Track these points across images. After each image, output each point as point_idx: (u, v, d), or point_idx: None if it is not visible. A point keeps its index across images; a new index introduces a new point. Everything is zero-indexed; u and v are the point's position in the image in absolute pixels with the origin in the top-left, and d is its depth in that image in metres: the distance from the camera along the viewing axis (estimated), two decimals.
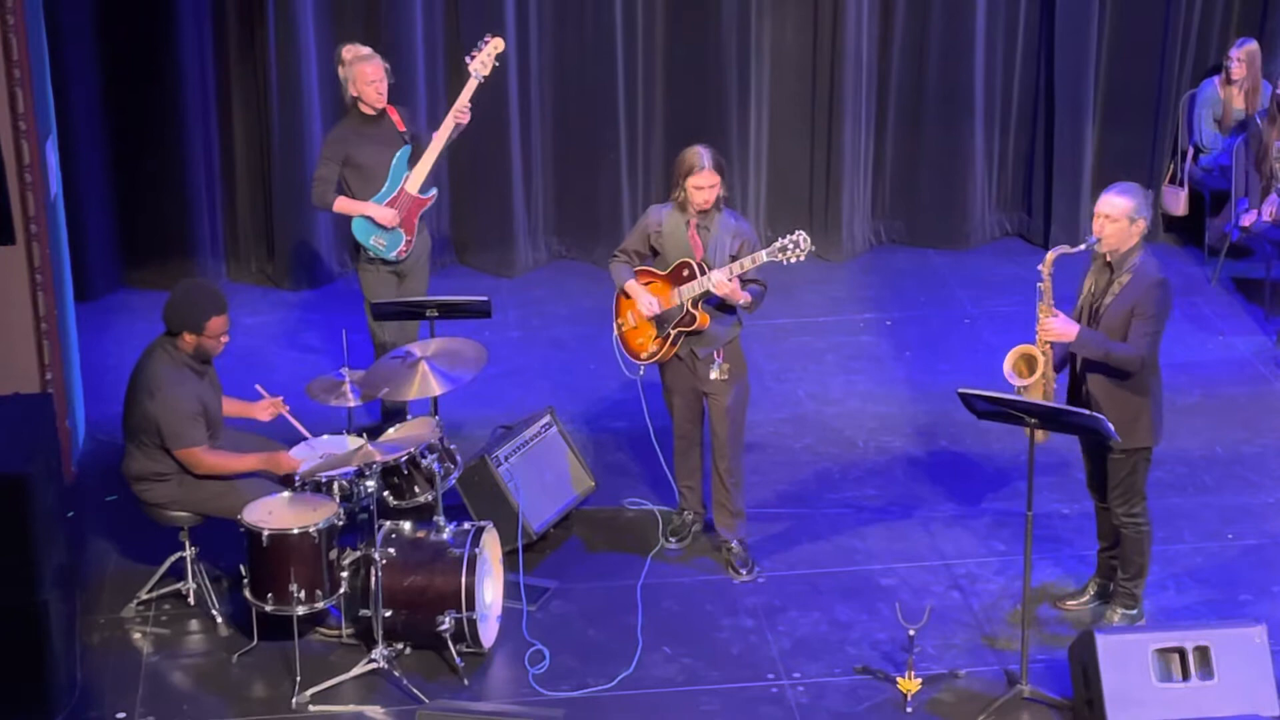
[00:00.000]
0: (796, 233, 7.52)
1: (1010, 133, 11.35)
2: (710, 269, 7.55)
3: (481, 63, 8.63)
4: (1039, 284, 7.04)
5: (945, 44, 10.99)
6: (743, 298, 7.56)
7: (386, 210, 8.56)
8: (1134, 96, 11.21)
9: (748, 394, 7.88)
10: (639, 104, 10.86)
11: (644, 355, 7.79)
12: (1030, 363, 7.10)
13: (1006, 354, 7.15)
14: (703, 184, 7.52)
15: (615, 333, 7.88)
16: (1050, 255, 7.02)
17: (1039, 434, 7.08)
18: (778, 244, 7.50)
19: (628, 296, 7.80)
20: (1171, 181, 11.19)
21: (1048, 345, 7.09)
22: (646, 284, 7.72)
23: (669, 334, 7.68)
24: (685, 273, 7.61)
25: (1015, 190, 11.51)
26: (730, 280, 7.49)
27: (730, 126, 10.89)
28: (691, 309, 7.62)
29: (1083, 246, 7.06)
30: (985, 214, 11.42)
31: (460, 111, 8.59)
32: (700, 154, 7.53)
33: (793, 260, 7.51)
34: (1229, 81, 10.80)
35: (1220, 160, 10.83)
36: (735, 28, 10.76)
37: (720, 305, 7.66)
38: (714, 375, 7.70)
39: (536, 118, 10.85)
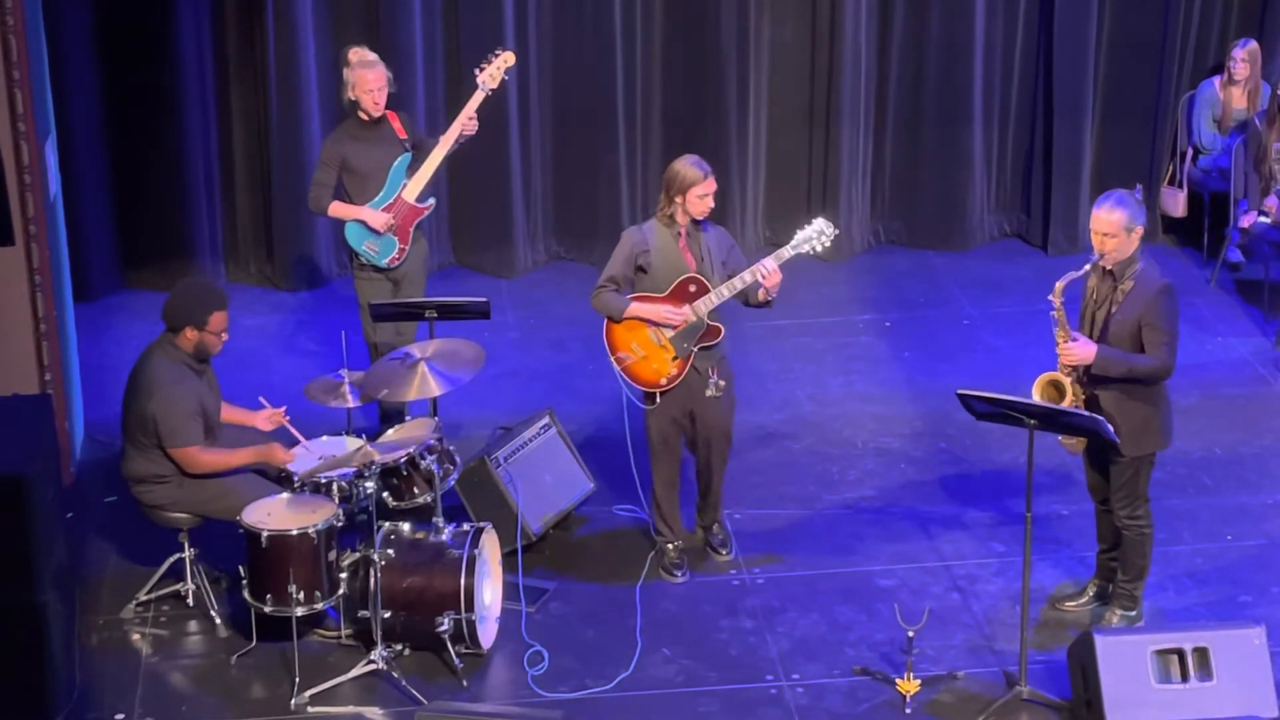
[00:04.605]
0: (816, 220, 7.55)
1: (1009, 133, 11.35)
2: (711, 280, 7.51)
3: (490, 75, 8.59)
4: (1052, 313, 7.06)
5: (944, 44, 10.99)
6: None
7: (380, 215, 8.52)
8: (1133, 97, 11.21)
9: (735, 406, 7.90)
10: (638, 105, 10.85)
11: (663, 381, 7.61)
12: (1058, 388, 7.11)
13: (1033, 383, 7.16)
14: (707, 192, 7.49)
15: (618, 369, 7.66)
16: (1059, 284, 7.03)
17: (1072, 444, 7.16)
18: (800, 235, 7.51)
19: (623, 323, 7.60)
20: (1170, 182, 11.18)
21: (1070, 369, 7.10)
22: None
23: (690, 351, 7.59)
24: (693, 288, 7.53)
25: (1014, 191, 11.50)
26: (776, 270, 7.46)
27: (729, 127, 10.89)
28: (710, 322, 7.59)
29: (1087, 268, 7.08)
30: (984, 215, 11.42)
31: (467, 121, 8.55)
32: (695, 164, 7.49)
33: (817, 249, 7.52)
34: (1232, 81, 10.78)
35: (1219, 161, 10.82)
36: (735, 28, 10.76)
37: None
38: (710, 393, 7.65)
39: (536, 118, 10.85)
